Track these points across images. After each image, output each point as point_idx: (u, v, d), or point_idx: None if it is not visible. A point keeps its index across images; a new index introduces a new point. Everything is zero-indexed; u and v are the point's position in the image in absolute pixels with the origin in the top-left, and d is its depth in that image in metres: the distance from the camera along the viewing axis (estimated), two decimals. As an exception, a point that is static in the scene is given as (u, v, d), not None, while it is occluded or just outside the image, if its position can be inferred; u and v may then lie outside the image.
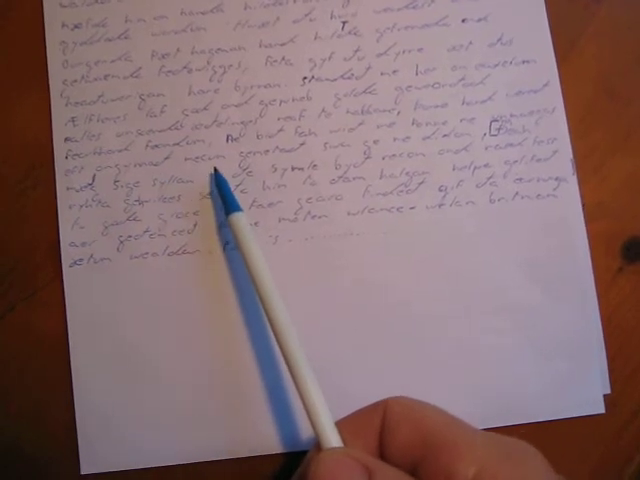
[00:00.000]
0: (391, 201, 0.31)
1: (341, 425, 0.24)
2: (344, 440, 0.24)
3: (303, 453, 0.26)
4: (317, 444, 0.24)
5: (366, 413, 0.24)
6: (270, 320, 0.26)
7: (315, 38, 0.32)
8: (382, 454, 0.23)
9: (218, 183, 0.31)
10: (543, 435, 0.31)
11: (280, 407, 0.30)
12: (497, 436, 0.22)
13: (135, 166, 0.32)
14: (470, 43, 0.32)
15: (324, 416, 0.24)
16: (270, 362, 0.31)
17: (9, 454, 0.31)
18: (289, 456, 0.31)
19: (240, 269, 0.31)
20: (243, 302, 0.31)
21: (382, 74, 0.32)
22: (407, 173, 0.32)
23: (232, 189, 0.31)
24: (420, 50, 0.32)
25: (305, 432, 0.30)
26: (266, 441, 0.30)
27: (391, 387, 0.30)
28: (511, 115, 0.32)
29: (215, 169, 0.31)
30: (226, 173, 0.31)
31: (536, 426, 0.31)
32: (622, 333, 0.31)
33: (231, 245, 0.31)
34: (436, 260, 0.31)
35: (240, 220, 0.29)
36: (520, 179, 0.32)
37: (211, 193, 0.31)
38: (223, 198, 0.30)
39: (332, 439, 0.24)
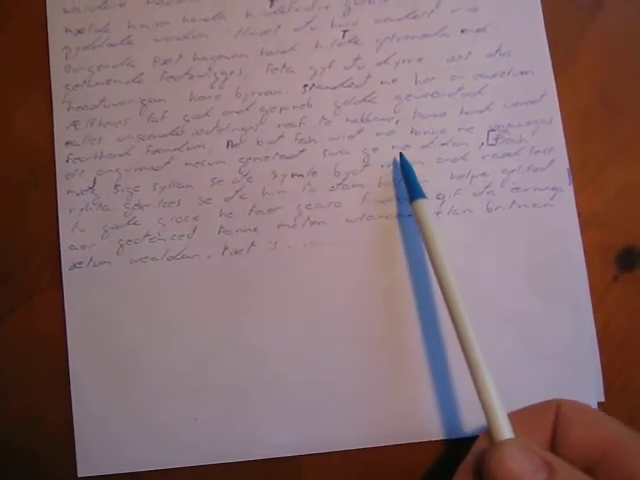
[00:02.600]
0: (389, 208, 0.32)
1: (513, 418, 0.25)
2: (516, 433, 0.24)
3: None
4: (488, 435, 0.24)
5: (539, 409, 0.25)
6: (450, 307, 0.27)
7: (316, 46, 0.33)
8: (553, 451, 0.24)
9: (404, 169, 0.31)
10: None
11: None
12: None
13: (135, 170, 0.32)
14: (469, 53, 0.32)
15: (499, 406, 0.25)
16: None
17: (6, 456, 0.31)
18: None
19: (238, 274, 0.31)
20: (241, 305, 0.31)
21: (382, 83, 0.32)
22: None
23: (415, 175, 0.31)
24: (419, 60, 0.32)
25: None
26: (262, 446, 0.30)
27: (389, 394, 0.31)
28: (509, 125, 0.32)
29: (401, 154, 0.31)
30: (226, 178, 0.32)
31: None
32: (617, 342, 0.32)
33: (230, 250, 0.32)
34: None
35: (424, 207, 0.29)
36: (517, 188, 0.32)
37: (394, 179, 0.32)
38: (408, 184, 0.30)
39: (506, 431, 0.24)
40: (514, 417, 0.25)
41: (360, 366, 0.31)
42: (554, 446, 0.24)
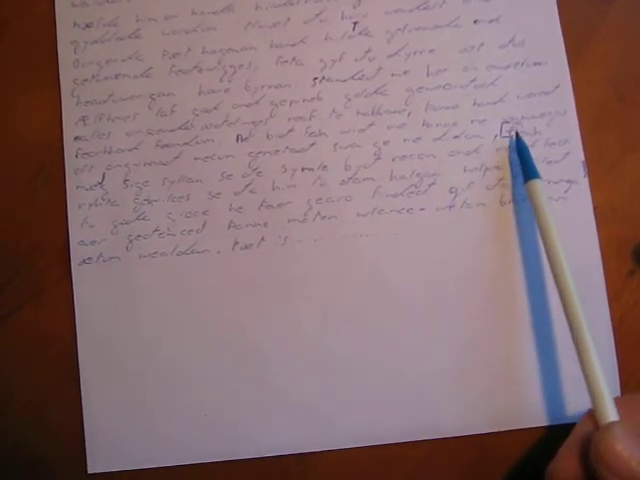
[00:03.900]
0: (401, 202, 0.31)
1: (617, 402, 0.25)
2: (621, 417, 0.24)
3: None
4: (592, 417, 0.25)
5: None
6: (561, 290, 0.27)
7: (326, 39, 0.32)
8: None
9: (519, 149, 0.31)
10: (553, 438, 0.30)
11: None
12: None
13: (145, 165, 0.32)
14: (481, 44, 0.32)
15: (606, 389, 0.25)
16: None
17: (16, 453, 0.31)
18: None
19: (247, 270, 0.31)
20: (251, 301, 0.31)
21: (393, 75, 0.32)
22: (417, 174, 0.31)
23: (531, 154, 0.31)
24: (431, 51, 0.32)
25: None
26: (271, 444, 0.30)
27: (397, 394, 0.30)
28: (522, 117, 0.32)
29: (517, 133, 0.31)
30: (235, 173, 0.32)
31: (545, 430, 0.30)
32: (633, 337, 0.31)
33: (240, 245, 0.31)
34: (446, 262, 0.31)
35: (538, 187, 0.29)
36: (531, 181, 0.31)
37: (509, 157, 0.31)
38: (523, 164, 0.30)
39: (612, 414, 0.25)
40: (617, 402, 0.25)
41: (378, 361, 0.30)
42: None
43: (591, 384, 0.26)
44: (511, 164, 0.31)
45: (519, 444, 0.31)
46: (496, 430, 0.30)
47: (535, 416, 0.30)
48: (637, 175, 0.32)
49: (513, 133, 0.31)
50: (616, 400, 0.25)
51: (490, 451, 0.30)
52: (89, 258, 0.31)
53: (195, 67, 0.32)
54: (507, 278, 0.31)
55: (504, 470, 0.30)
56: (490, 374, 0.31)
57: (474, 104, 0.32)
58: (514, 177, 0.31)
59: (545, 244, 0.28)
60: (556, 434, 0.30)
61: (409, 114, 0.32)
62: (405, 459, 0.31)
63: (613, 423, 0.24)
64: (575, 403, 0.30)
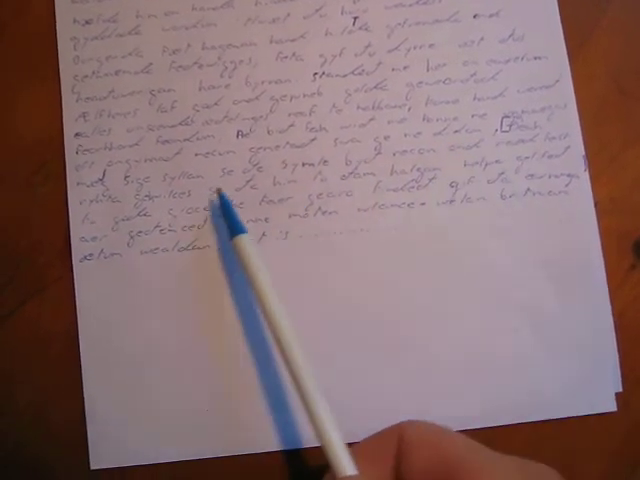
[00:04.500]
0: (402, 197, 0.31)
1: (355, 450, 0.24)
2: (359, 467, 0.23)
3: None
4: (331, 471, 0.24)
5: (381, 438, 0.24)
6: (278, 344, 0.26)
7: (326, 34, 0.32)
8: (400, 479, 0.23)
9: (223, 205, 0.30)
10: (554, 433, 0.30)
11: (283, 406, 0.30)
12: (518, 460, 0.22)
13: (145, 161, 0.32)
14: (481, 39, 0.32)
15: (337, 443, 0.24)
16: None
17: (19, 449, 0.31)
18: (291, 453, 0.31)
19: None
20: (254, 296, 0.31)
21: (393, 70, 0.32)
22: (418, 169, 0.31)
23: (236, 210, 0.30)
24: (431, 46, 0.32)
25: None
26: (270, 438, 0.30)
27: (403, 388, 0.30)
28: (522, 111, 0.32)
29: (218, 190, 0.31)
30: (236, 168, 0.32)
31: (547, 424, 0.30)
32: (634, 330, 0.31)
33: (241, 241, 0.31)
34: (447, 256, 0.31)
35: (245, 241, 0.29)
36: (532, 175, 0.31)
37: (213, 214, 0.31)
38: (229, 220, 0.30)
39: (347, 467, 0.23)
40: (358, 449, 0.24)
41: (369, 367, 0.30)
42: (401, 474, 0.23)
43: (322, 440, 0.24)
44: (215, 219, 0.31)
45: (523, 438, 0.31)
46: (500, 424, 0.30)
47: (539, 410, 0.30)
48: (638, 169, 0.32)
49: (215, 197, 0.31)
50: (356, 448, 0.24)
51: (494, 445, 0.30)
52: (90, 254, 0.31)
53: (195, 63, 0.32)
54: (507, 275, 0.31)
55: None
56: (493, 368, 0.30)
57: (474, 98, 0.32)
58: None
59: (260, 301, 0.27)
60: (557, 428, 0.30)
61: (409, 109, 0.32)
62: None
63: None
64: (578, 398, 0.30)
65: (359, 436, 0.25)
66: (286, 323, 0.27)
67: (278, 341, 0.27)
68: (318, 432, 0.25)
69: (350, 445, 0.24)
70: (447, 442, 0.23)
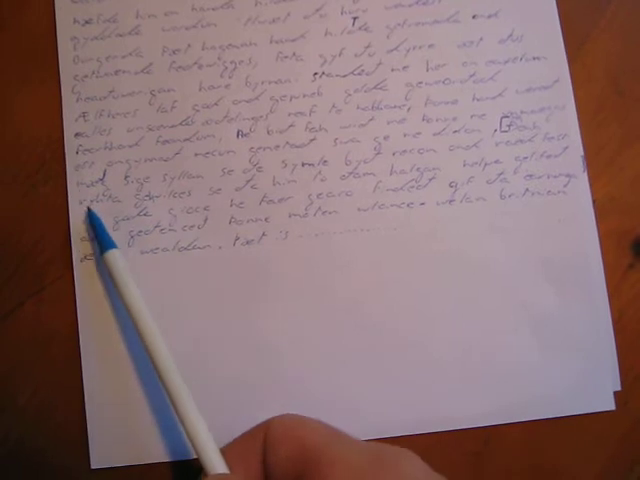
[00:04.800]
0: (401, 197, 0.31)
1: (226, 450, 0.25)
2: (229, 465, 0.24)
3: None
4: (204, 471, 0.25)
5: (250, 436, 0.25)
6: (150, 354, 0.27)
7: (326, 34, 0.32)
8: (267, 475, 0.24)
9: (92, 222, 0.31)
10: (553, 432, 0.31)
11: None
12: (375, 444, 0.23)
13: (145, 161, 0.32)
14: (481, 39, 0.32)
15: (207, 443, 0.25)
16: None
17: (19, 449, 0.31)
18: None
19: (249, 265, 0.31)
20: (252, 296, 0.31)
21: (393, 70, 0.32)
22: (417, 169, 0.32)
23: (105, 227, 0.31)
24: (431, 46, 0.32)
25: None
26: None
27: (401, 387, 0.30)
28: (521, 111, 0.32)
29: (88, 208, 0.31)
30: (236, 168, 0.32)
31: (546, 423, 0.31)
32: (633, 330, 0.31)
33: (241, 240, 0.31)
34: (446, 256, 0.31)
35: (115, 257, 0.30)
36: (530, 175, 0.32)
37: (87, 230, 0.31)
38: (98, 236, 0.30)
39: (217, 465, 0.25)
40: (228, 449, 0.25)
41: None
42: (267, 469, 0.24)
43: (193, 442, 0.26)
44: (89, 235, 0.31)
45: (522, 436, 0.31)
46: (500, 422, 0.30)
47: (538, 408, 0.31)
48: (636, 169, 0.32)
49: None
50: (227, 448, 0.25)
51: (493, 443, 0.31)
52: (90, 254, 0.31)
53: (195, 63, 0.32)
54: (506, 274, 0.31)
55: (506, 462, 0.31)
56: (493, 367, 0.31)
57: (473, 99, 0.32)
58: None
59: (132, 316, 0.28)
60: (556, 427, 0.31)
61: (409, 109, 0.32)
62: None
63: (206, 477, 0.24)
64: (577, 396, 0.30)
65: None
66: (152, 333, 0.28)
67: (148, 353, 0.28)
68: (189, 436, 0.26)
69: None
70: (309, 433, 0.24)
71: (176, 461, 0.30)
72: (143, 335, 0.28)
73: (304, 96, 0.32)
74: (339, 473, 0.21)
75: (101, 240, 0.30)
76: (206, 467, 0.25)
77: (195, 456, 0.30)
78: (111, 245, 0.30)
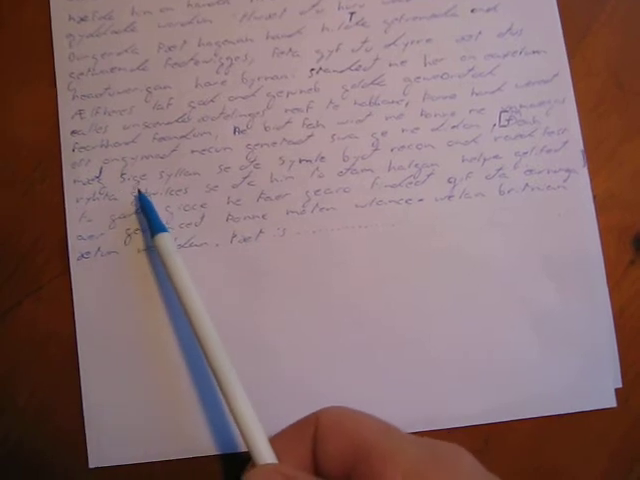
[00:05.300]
0: (399, 193, 0.31)
1: (275, 440, 0.25)
2: (278, 456, 0.24)
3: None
4: (253, 461, 0.24)
5: (299, 426, 0.25)
6: (200, 341, 0.27)
7: (322, 29, 0.32)
8: (316, 466, 0.23)
9: (142, 205, 0.31)
10: (554, 429, 0.30)
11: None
12: (427, 440, 0.23)
13: (142, 159, 0.32)
14: (479, 33, 0.32)
15: (257, 433, 0.25)
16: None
17: (17, 449, 0.31)
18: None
19: (246, 262, 0.31)
20: (250, 293, 0.31)
21: (390, 65, 0.32)
22: (416, 165, 0.31)
23: (156, 209, 0.31)
24: (428, 41, 0.32)
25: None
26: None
27: (399, 384, 0.30)
28: (521, 106, 0.32)
29: (139, 191, 0.31)
30: (233, 165, 0.31)
31: (547, 420, 0.30)
32: (634, 326, 0.31)
33: (238, 237, 0.31)
34: (445, 252, 0.31)
35: (166, 240, 0.29)
36: (530, 170, 0.31)
37: (136, 211, 0.31)
38: (149, 219, 0.30)
39: (266, 455, 0.24)
40: (277, 440, 0.25)
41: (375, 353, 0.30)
42: (317, 461, 0.24)
43: (242, 431, 0.25)
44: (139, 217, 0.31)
45: (523, 434, 0.30)
46: (500, 420, 0.30)
47: (538, 406, 0.30)
48: (637, 163, 0.32)
49: (135, 193, 0.31)
50: (275, 438, 0.25)
51: (493, 442, 0.30)
52: (87, 252, 0.31)
53: (191, 59, 0.32)
54: (506, 271, 0.31)
55: (507, 460, 0.30)
56: (492, 365, 0.30)
57: (472, 93, 0.32)
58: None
59: (181, 299, 0.28)
60: (557, 425, 0.30)
61: (407, 104, 0.32)
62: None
63: (248, 470, 0.24)
64: (577, 394, 0.30)
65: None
66: (205, 321, 0.27)
67: (198, 339, 0.27)
68: (239, 425, 0.25)
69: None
70: (360, 427, 0.23)
71: (173, 460, 0.30)
72: (194, 322, 0.27)
73: (301, 92, 0.32)
74: (390, 469, 0.21)
75: (152, 223, 0.30)
76: (255, 457, 0.24)
77: (195, 455, 0.30)
78: (162, 229, 0.29)
